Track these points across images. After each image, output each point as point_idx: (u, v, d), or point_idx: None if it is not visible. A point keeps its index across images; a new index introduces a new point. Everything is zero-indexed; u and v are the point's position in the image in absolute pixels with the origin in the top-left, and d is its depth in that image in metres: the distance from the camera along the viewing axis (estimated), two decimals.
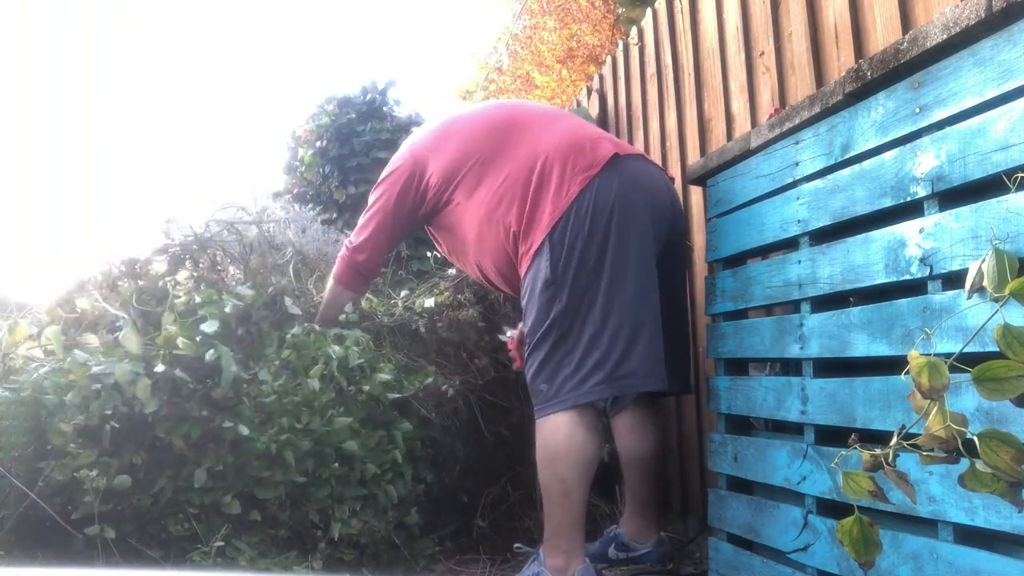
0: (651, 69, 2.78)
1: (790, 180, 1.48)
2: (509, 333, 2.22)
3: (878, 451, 0.78)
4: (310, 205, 4.10)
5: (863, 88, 1.29)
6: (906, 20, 1.58)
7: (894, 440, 0.77)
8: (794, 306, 1.46)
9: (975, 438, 0.71)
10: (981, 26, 1.05)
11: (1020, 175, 0.93)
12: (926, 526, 1.10)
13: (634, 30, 2.95)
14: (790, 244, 1.49)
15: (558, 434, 1.71)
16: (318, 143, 4.23)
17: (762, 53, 2.11)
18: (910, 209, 1.18)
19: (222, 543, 1.61)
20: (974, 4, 1.05)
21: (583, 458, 1.71)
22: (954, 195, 1.10)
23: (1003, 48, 1.02)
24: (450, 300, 2.52)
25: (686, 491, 2.40)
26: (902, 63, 1.19)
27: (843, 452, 1.06)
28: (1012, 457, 0.70)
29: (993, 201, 1.01)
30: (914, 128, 1.17)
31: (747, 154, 1.65)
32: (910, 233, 1.16)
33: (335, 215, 4.09)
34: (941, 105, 1.12)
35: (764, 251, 1.63)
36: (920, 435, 0.75)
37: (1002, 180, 0.97)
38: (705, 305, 1.80)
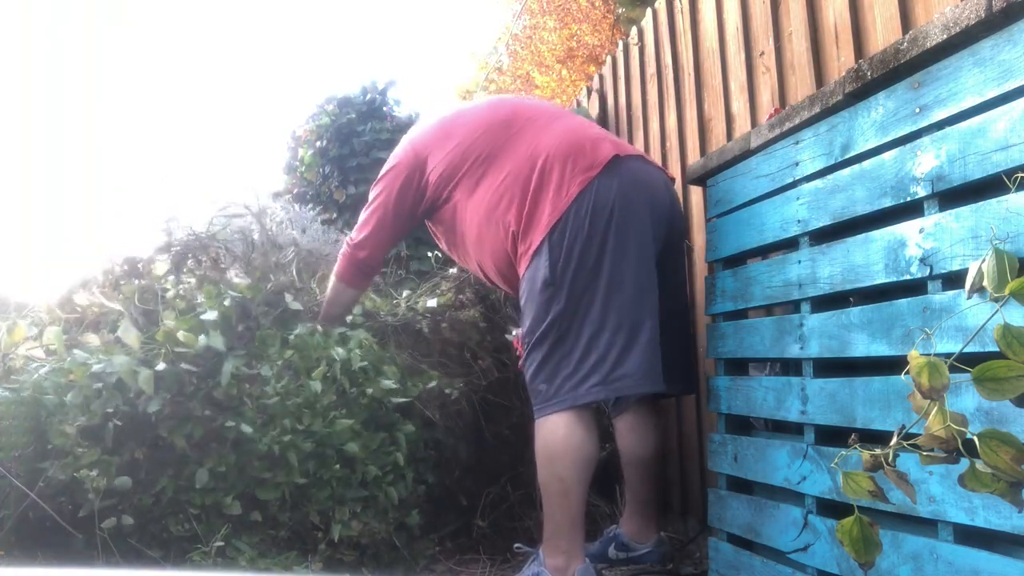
0: (651, 69, 2.78)
1: (790, 180, 1.48)
2: (515, 332, 2.22)
3: (878, 451, 0.78)
4: (310, 205, 4.11)
5: (863, 88, 1.29)
6: (906, 20, 1.58)
7: (894, 440, 0.77)
8: (794, 306, 1.46)
9: (975, 438, 0.71)
10: (981, 26, 1.05)
11: (1020, 175, 0.93)
12: (926, 526, 1.10)
13: (634, 30, 2.95)
14: (790, 244, 1.49)
15: (557, 433, 1.71)
16: (318, 143, 4.23)
17: (762, 53, 2.11)
18: (910, 209, 1.18)
19: (222, 543, 1.61)
20: (974, 4, 1.05)
21: (582, 457, 1.71)
22: (954, 195, 1.10)
23: (1003, 48, 1.02)
24: (452, 300, 2.52)
25: (686, 491, 2.40)
26: (902, 63, 1.19)
27: (843, 452, 1.06)
28: (1012, 457, 0.70)
29: (993, 201, 1.01)
30: (914, 128, 1.17)
31: (747, 154, 1.65)
32: (910, 233, 1.16)
33: (335, 215, 4.09)
34: (941, 105, 1.12)
35: (764, 251, 1.63)
36: (920, 435, 0.75)
37: (1002, 180, 0.97)
38: (705, 305, 1.80)
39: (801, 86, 1.92)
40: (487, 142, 1.90)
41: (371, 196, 2.08)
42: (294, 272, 2.35)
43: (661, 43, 2.71)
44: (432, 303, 2.47)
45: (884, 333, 1.19)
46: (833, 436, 1.34)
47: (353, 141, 4.15)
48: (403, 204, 2.01)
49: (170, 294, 1.91)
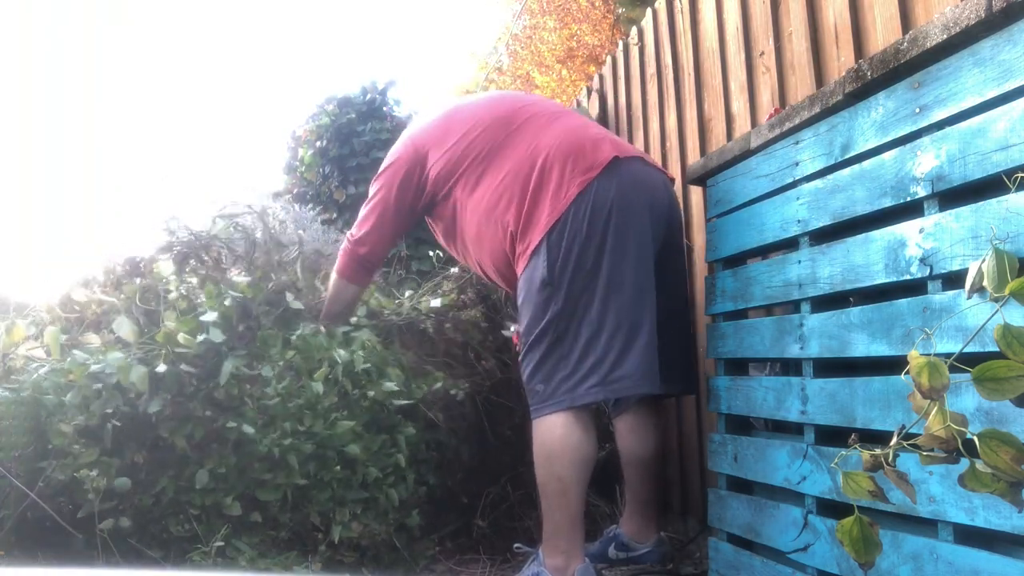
0: (651, 69, 2.78)
1: (790, 180, 1.48)
2: (513, 328, 2.22)
3: (878, 451, 0.78)
4: (310, 205, 4.11)
5: (863, 88, 1.29)
6: (906, 20, 1.58)
7: (894, 440, 0.77)
8: (794, 306, 1.46)
9: (975, 438, 0.71)
10: (981, 26, 1.05)
11: (1020, 175, 0.93)
12: (926, 526, 1.10)
13: (634, 30, 2.95)
14: (790, 244, 1.49)
15: (554, 433, 1.71)
16: (318, 143, 4.24)
17: (762, 53, 2.11)
18: (910, 209, 1.18)
19: (222, 543, 1.61)
20: (974, 4, 1.05)
21: (579, 457, 1.71)
22: (954, 195, 1.10)
23: (1003, 48, 1.02)
24: (455, 300, 2.52)
25: (686, 491, 2.40)
26: (902, 63, 1.19)
27: (843, 452, 1.06)
28: (1012, 457, 0.70)
29: (993, 201, 1.01)
30: (914, 128, 1.17)
31: (747, 154, 1.65)
32: (910, 233, 1.16)
33: (335, 215, 4.09)
34: (941, 105, 1.12)
35: (764, 251, 1.63)
36: (920, 435, 0.75)
37: (1002, 180, 0.97)
38: (705, 305, 1.80)
39: (801, 86, 1.92)
40: (487, 139, 1.90)
41: (371, 192, 2.08)
42: (298, 270, 2.34)
43: (661, 43, 2.70)
44: (436, 303, 2.47)
45: (884, 333, 1.19)
46: (833, 436, 1.34)
47: (353, 141, 4.15)
48: (403, 200, 2.01)
49: (172, 296, 1.90)
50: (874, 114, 1.26)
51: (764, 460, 1.51)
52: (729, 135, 2.25)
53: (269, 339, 1.91)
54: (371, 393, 1.95)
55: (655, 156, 2.69)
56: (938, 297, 1.09)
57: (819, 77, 1.86)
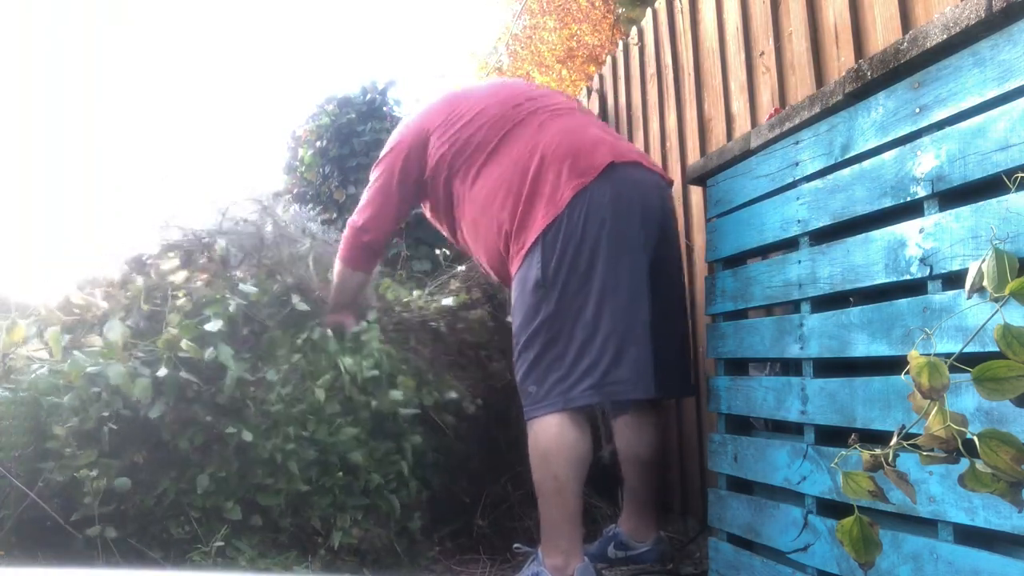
0: (651, 69, 2.78)
1: (790, 180, 1.48)
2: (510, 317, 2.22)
3: (878, 451, 0.78)
4: (310, 205, 4.10)
5: (863, 88, 1.29)
6: (906, 20, 1.58)
7: (894, 440, 0.77)
8: (794, 306, 1.46)
9: (975, 438, 0.71)
10: (981, 26, 1.05)
11: (1020, 175, 0.93)
12: (926, 526, 1.10)
13: (634, 30, 2.95)
14: (790, 244, 1.49)
15: (549, 432, 1.72)
16: (318, 143, 4.23)
17: (762, 53, 2.11)
18: (910, 209, 1.18)
19: (222, 543, 1.61)
20: (974, 4, 1.05)
21: (575, 456, 1.71)
22: (954, 195, 1.10)
23: (1003, 48, 1.02)
24: (465, 299, 2.51)
25: (686, 491, 2.40)
26: (902, 63, 1.19)
27: (843, 452, 1.06)
28: (1012, 457, 0.70)
29: (993, 201, 1.01)
30: (914, 128, 1.17)
31: (747, 154, 1.65)
32: (910, 233, 1.16)
33: (335, 215, 4.09)
34: (941, 105, 1.12)
35: (764, 251, 1.63)
36: (920, 435, 0.75)
37: (1002, 180, 0.97)
38: (705, 305, 1.80)
39: (801, 86, 1.92)
40: (490, 131, 1.90)
41: (372, 177, 2.08)
42: (310, 263, 2.31)
43: (661, 43, 2.70)
44: (448, 301, 2.45)
45: (884, 333, 1.19)
46: (833, 436, 1.34)
47: (353, 141, 4.15)
48: (406, 183, 2.01)
49: (180, 302, 1.87)
50: (874, 114, 1.26)
51: (764, 460, 1.51)
52: (729, 135, 2.25)
53: (276, 340, 1.89)
54: (374, 403, 1.93)
55: (655, 156, 2.69)
56: (938, 297, 1.09)
57: (819, 77, 1.86)
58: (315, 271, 2.29)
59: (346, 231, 2.11)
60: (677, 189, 2.52)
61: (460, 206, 1.98)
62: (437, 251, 3.14)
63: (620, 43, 3.14)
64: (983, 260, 0.79)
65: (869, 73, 1.27)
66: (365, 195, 2.09)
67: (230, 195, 2.40)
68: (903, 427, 0.77)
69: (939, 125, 1.13)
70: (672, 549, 2.11)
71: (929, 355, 0.74)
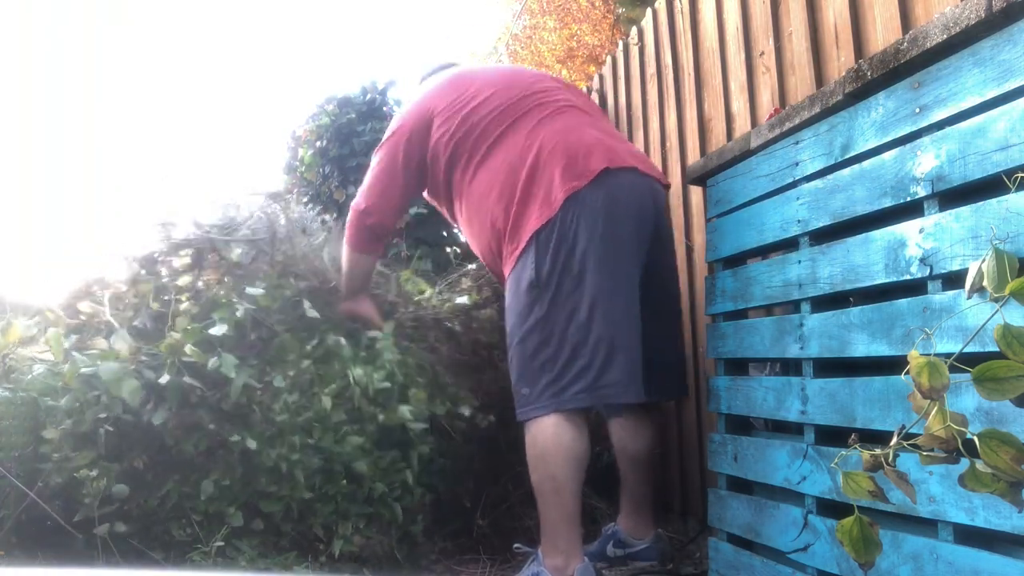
0: (651, 69, 2.78)
1: (790, 180, 1.48)
2: None
3: (878, 451, 0.78)
4: (310, 205, 4.10)
5: (863, 88, 1.29)
6: (906, 20, 1.58)
7: (894, 440, 0.77)
8: (794, 306, 1.46)
9: (975, 438, 0.71)
10: (981, 26, 1.05)
11: (1020, 175, 0.93)
12: (926, 526, 1.10)
13: (634, 30, 2.95)
14: (790, 244, 1.49)
15: (546, 433, 1.72)
16: (318, 143, 4.23)
17: (762, 53, 2.11)
18: (910, 209, 1.18)
19: (222, 543, 1.61)
20: (974, 4, 1.05)
21: (572, 456, 1.72)
22: (954, 195, 1.10)
23: (1003, 48, 1.02)
24: (478, 299, 2.49)
25: (686, 491, 2.40)
26: (902, 63, 1.19)
27: (843, 452, 1.06)
28: (1012, 457, 0.70)
29: (993, 201, 1.01)
30: (914, 128, 1.17)
31: (747, 154, 1.65)
32: (910, 233, 1.16)
33: (335, 215, 4.09)
34: (941, 105, 1.12)
35: (764, 251, 1.63)
36: (920, 435, 0.75)
37: (1002, 180, 0.97)
38: (705, 305, 1.80)
39: (801, 86, 1.92)
40: (491, 122, 1.91)
41: (374, 161, 2.06)
42: (324, 257, 2.28)
43: (661, 43, 2.70)
44: (463, 300, 2.44)
45: (884, 333, 1.19)
46: (833, 436, 1.34)
47: (353, 141, 4.14)
48: (409, 166, 2.00)
49: (184, 306, 1.84)
50: (874, 114, 1.26)
51: (764, 460, 1.51)
52: (729, 135, 2.25)
53: (287, 345, 1.86)
54: (381, 417, 1.91)
55: (655, 156, 2.69)
56: (938, 297, 1.09)
57: (819, 77, 1.86)
58: (331, 263, 2.26)
59: (350, 215, 2.08)
60: (677, 189, 2.52)
61: (458, 198, 1.99)
62: (448, 249, 3.13)
63: (620, 43, 3.13)
64: (983, 260, 0.79)
65: (869, 73, 1.27)
66: (368, 178, 2.06)
67: (243, 190, 2.38)
68: (903, 427, 0.77)
69: (939, 125, 1.13)
70: (671, 546, 2.11)
71: (929, 355, 0.74)
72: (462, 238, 3.67)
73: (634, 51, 2.94)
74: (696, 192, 2.36)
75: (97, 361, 1.67)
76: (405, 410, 1.95)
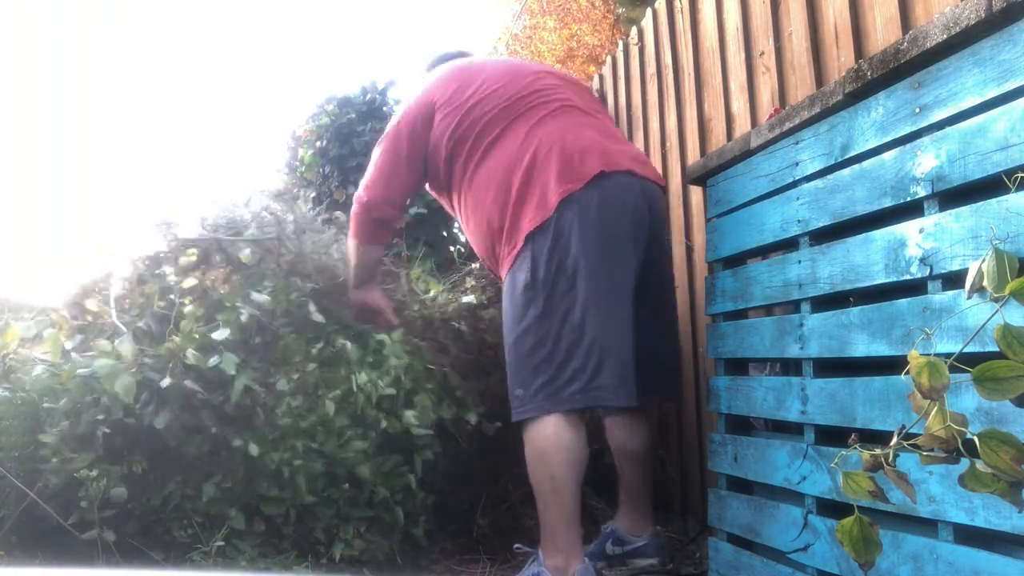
0: (651, 69, 2.78)
1: (790, 180, 1.48)
2: None
3: (878, 451, 0.78)
4: (310, 205, 4.10)
5: (863, 88, 1.29)
6: (906, 20, 1.58)
7: (894, 440, 0.77)
8: (794, 306, 1.46)
9: (975, 438, 0.71)
10: (981, 26, 1.05)
11: (1020, 175, 0.93)
12: (926, 526, 1.10)
13: (634, 30, 2.95)
14: (790, 244, 1.49)
15: (545, 433, 1.72)
16: (318, 143, 4.23)
17: (762, 53, 2.11)
18: (910, 209, 1.18)
19: (222, 543, 1.61)
20: (974, 4, 1.05)
21: (571, 456, 1.72)
22: (954, 195, 1.10)
23: (1003, 48, 1.02)
24: (482, 299, 2.49)
25: (686, 491, 2.40)
26: (902, 63, 1.19)
27: (843, 452, 1.06)
28: (1012, 457, 0.70)
29: (993, 201, 1.01)
30: (914, 128, 1.17)
31: (747, 154, 1.65)
32: (910, 233, 1.16)
33: (335, 215, 4.08)
34: (941, 105, 1.12)
35: (764, 251, 1.63)
36: (920, 435, 0.75)
37: (1002, 180, 0.97)
38: (705, 305, 1.80)
39: (801, 86, 1.92)
40: (490, 121, 1.91)
41: (376, 153, 2.06)
42: (333, 253, 2.27)
43: (661, 43, 2.70)
44: (469, 299, 2.44)
45: (884, 333, 1.19)
46: (833, 436, 1.34)
47: (353, 141, 4.14)
48: (412, 158, 2.01)
49: (188, 309, 1.83)
50: (874, 114, 1.26)
51: (764, 460, 1.51)
52: (729, 135, 2.25)
53: (292, 346, 1.86)
54: (384, 424, 1.91)
55: (655, 156, 2.69)
56: (938, 297, 1.09)
57: (819, 77, 1.86)
58: (338, 259, 2.26)
59: (353, 207, 2.07)
60: (677, 189, 2.52)
61: (457, 195, 2.00)
62: (452, 248, 3.12)
63: (620, 43, 3.14)
64: (983, 260, 0.79)
65: (869, 73, 1.27)
66: (370, 169, 2.06)
67: (249, 189, 2.38)
68: (903, 427, 0.77)
69: (939, 125, 1.13)
70: (669, 543, 2.11)
71: (929, 355, 0.74)
72: (463, 237, 3.67)
73: (634, 51, 2.94)
74: (696, 192, 2.36)
75: (91, 361, 1.66)
76: (410, 416, 1.95)
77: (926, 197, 1.14)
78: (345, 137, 4.17)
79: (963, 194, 1.08)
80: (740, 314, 1.68)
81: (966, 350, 0.80)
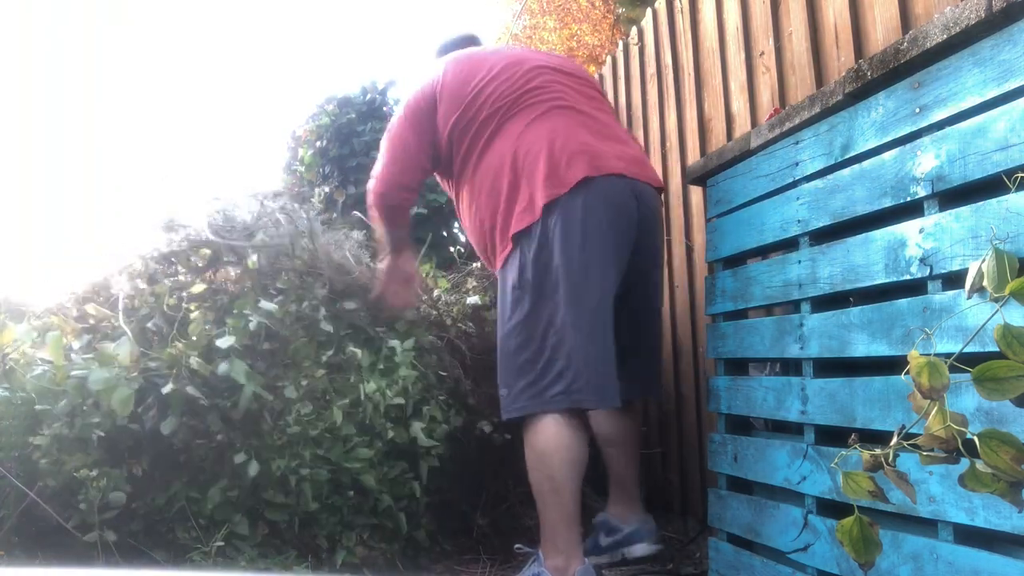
0: (651, 69, 2.78)
1: (790, 180, 1.48)
2: None
3: (878, 451, 0.78)
4: (322, 206, 4.11)
5: (863, 88, 1.29)
6: (906, 20, 1.58)
7: (894, 440, 0.77)
8: (794, 306, 1.46)
9: (975, 438, 0.71)
10: (981, 26, 1.05)
11: (1020, 175, 0.93)
12: (926, 526, 1.10)
13: (634, 30, 2.95)
14: (790, 244, 1.49)
15: (546, 433, 1.73)
16: (318, 143, 4.23)
17: (762, 53, 2.11)
18: (910, 209, 1.18)
19: (222, 543, 1.60)
20: (974, 4, 1.05)
21: (571, 456, 1.72)
22: (954, 195, 1.10)
23: (1003, 48, 1.02)
24: (486, 300, 2.49)
25: (686, 491, 2.40)
26: (902, 63, 1.19)
27: (843, 452, 1.06)
28: (1012, 457, 0.70)
29: (993, 201, 1.01)
30: (914, 128, 1.17)
31: (747, 154, 1.65)
32: (910, 233, 1.16)
33: (335, 215, 4.09)
34: (941, 105, 1.12)
35: (764, 251, 1.63)
36: (920, 435, 0.75)
37: (1002, 180, 0.97)
38: (705, 305, 1.81)
39: (801, 86, 1.92)
40: (487, 118, 1.92)
41: (385, 144, 2.10)
42: (347, 253, 2.28)
43: (661, 43, 2.70)
44: (474, 300, 2.44)
45: (884, 333, 1.19)
46: (833, 436, 1.34)
47: (353, 141, 4.14)
48: (419, 143, 2.02)
49: (195, 315, 1.81)
50: (874, 114, 1.26)
51: (764, 460, 1.51)
52: (729, 135, 2.25)
53: (301, 351, 1.85)
54: (391, 435, 1.90)
55: (655, 156, 2.69)
56: (938, 297, 1.09)
57: (819, 77, 1.86)
58: (352, 256, 2.27)
59: (369, 199, 2.11)
60: (677, 189, 2.52)
61: (456, 190, 2.04)
62: (452, 248, 3.12)
63: (620, 43, 3.13)
64: (983, 260, 0.79)
65: (869, 73, 1.27)
66: (379, 161, 2.09)
67: (260, 189, 2.38)
68: (903, 427, 0.77)
69: (939, 125, 1.13)
70: (659, 528, 2.08)
71: (929, 355, 0.74)
72: (463, 237, 3.67)
73: (634, 51, 2.94)
74: (696, 192, 2.36)
75: (92, 365, 1.64)
76: (418, 427, 1.95)
77: (926, 197, 1.14)
78: (345, 137, 4.17)
79: (963, 194, 1.08)
80: (740, 314, 1.68)
81: (966, 350, 0.80)
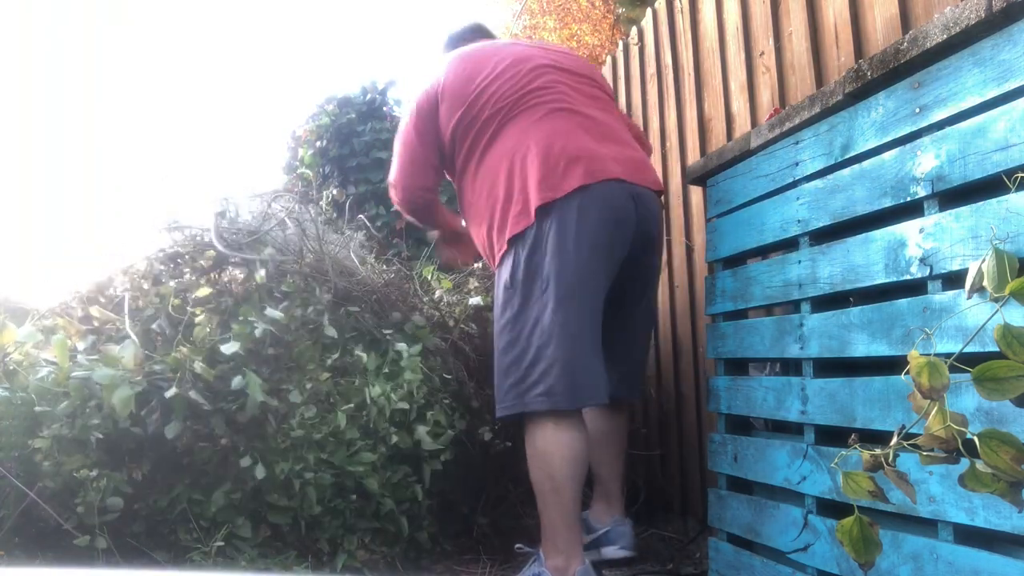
0: (651, 69, 2.78)
1: (790, 180, 1.48)
2: None
3: (878, 451, 0.78)
4: (310, 205, 4.10)
5: (863, 88, 1.29)
6: (906, 20, 1.58)
7: (894, 440, 0.77)
8: (794, 306, 1.46)
9: (975, 438, 0.71)
10: (981, 26, 1.05)
11: (1020, 175, 0.93)
12: (926, 526, 1.10)
13: (634, 30, 2.95)
14: (790, 244, 1.49)
15: (545, 433, 1.73)
16: (318, 143, 4.23)
17: (762, 53, 2.11)
18: (910, 209, 1.18)
19: (222, 543, 1.60)
20: (974, 4, 1.05)
21: (571, 456, 1.72)
22: (954, 195, 1.10)
23: (1003, 48, 1.02)
24: (487, 300, 2.49)
25: (686, 491, 2.40)
26: (902, 63, 1.20)
27: (843, 452, 1.06)
28: (1012, 457, 0.70)
29: (993, 201, 1.01)
30: (914, 128, 1.17)
31: (747, 154, 1.65)
32: (910, 233, 1.16)
33: (335, 215, 4.09)
34: (941, 105, 1.12)
35: (764, 251, 1.63)
36: (920, 435, 0.75)
37: (1002, 180, 0.97)
38: (705, 305, 1.81)
39: (801, 86, 1.92)
40: (488, 118, 1.93)
41: (397, 148, 2.13)
42: (352, 255, 2.29)
43: (661, 43, 2.70)
44: (476, 301, 2.44)
45: (884, 333, 1.19)
46: (833, 436, 1.34)
47: (353, 141, 4.15)
48: (425, 143, 2.05)
49: (199, 319, 1.80)
50: (874, 114, 1.26)
51: (764, 460, 1.51)
52: (729, 135, 2.25)
53: (305, 354, 1.85)
54: (395, 440, 1.90)
55: (655, 156, 2.68)
56: (938, 297, 1.09)
57: (819, 77, 1.86)
58: (356, 258, 2.28)
59: (395, 204, 2.21)
60: (677, 189, 2.52)
61: (459, 187, 2.06)
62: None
63: (620, 43, 3.13)
64: (983, 260, 0.79)
65: (869, 73, 1.27)
66: (394, 166, 2.13)
67: (266, 191, 2.40)
68: (903, 427, 0.77)
69: (939, 125, 1.13)
70: (634, 531, 2.06)
71: (929, 355, 0.74)
72: None
73: (634, 51, 2.94)
74: (696, 192, 2.36)
75: (96, 367, 1.64)
76: (423, 431, 1.95)
77: (926, 197, 1.14)
78: (345, 137, 4.17)
79: (963, 194, 1.08)
80: (740, 314, 1.68)
81: (966, 350, 0.80)
